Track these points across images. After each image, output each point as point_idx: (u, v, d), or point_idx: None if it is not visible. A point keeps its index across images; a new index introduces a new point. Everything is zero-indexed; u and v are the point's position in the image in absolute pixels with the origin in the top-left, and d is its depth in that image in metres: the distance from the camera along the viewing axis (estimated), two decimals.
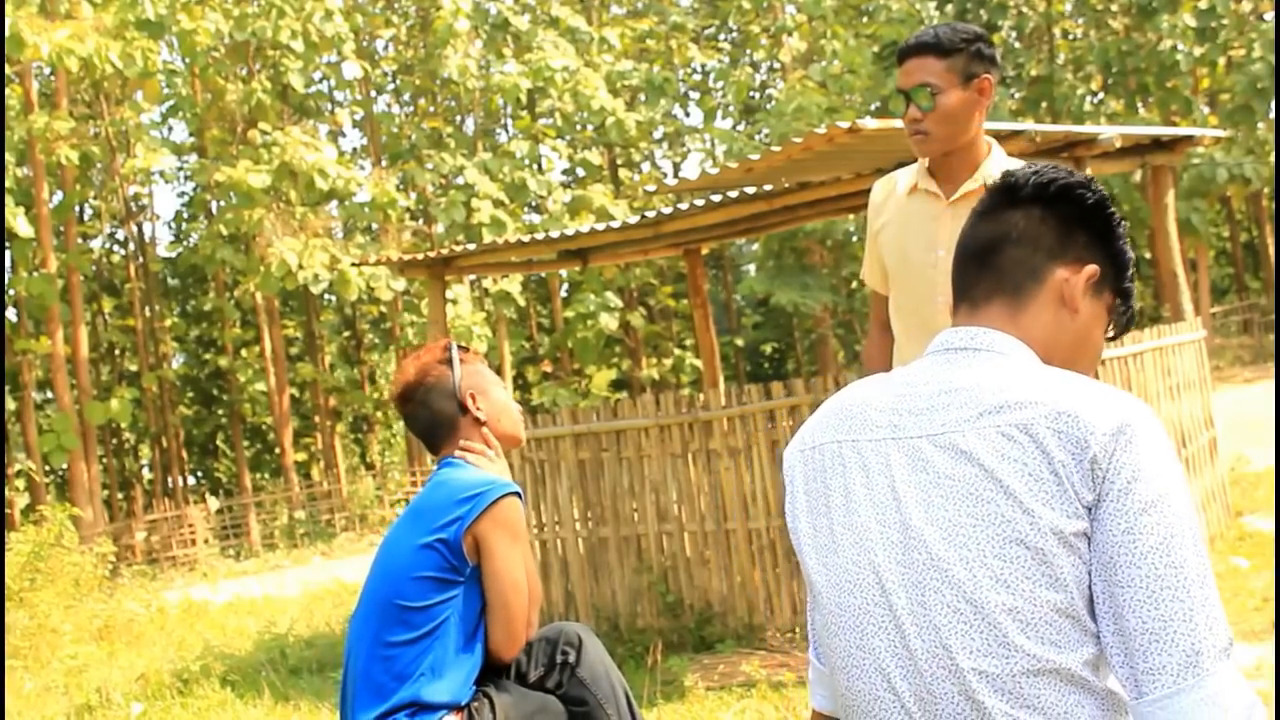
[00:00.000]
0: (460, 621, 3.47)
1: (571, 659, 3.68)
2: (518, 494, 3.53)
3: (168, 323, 36.87)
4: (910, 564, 1.92)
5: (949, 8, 33.54)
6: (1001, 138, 7.76)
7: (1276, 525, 6.13)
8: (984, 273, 2.10)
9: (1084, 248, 2.09)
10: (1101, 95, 36.41)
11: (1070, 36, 38.26)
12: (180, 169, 35.20)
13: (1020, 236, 2.08)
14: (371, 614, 3.49)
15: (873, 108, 30.80)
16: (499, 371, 36.72)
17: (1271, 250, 42.55)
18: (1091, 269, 2.08)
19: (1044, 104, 35.09)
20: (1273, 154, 34.66)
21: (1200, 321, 10.17)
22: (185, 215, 38.63)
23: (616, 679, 3.72)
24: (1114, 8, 35.75)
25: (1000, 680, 1.83)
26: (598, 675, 3.69)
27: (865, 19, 35.45)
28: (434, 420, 3.69)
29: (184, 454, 36.91)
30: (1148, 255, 41.47)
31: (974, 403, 1.93)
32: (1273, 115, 38.34)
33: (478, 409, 3.68)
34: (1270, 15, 37.40)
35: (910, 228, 4.17)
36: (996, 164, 4.10)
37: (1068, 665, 1.82)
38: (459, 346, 3.77)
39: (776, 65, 40.52)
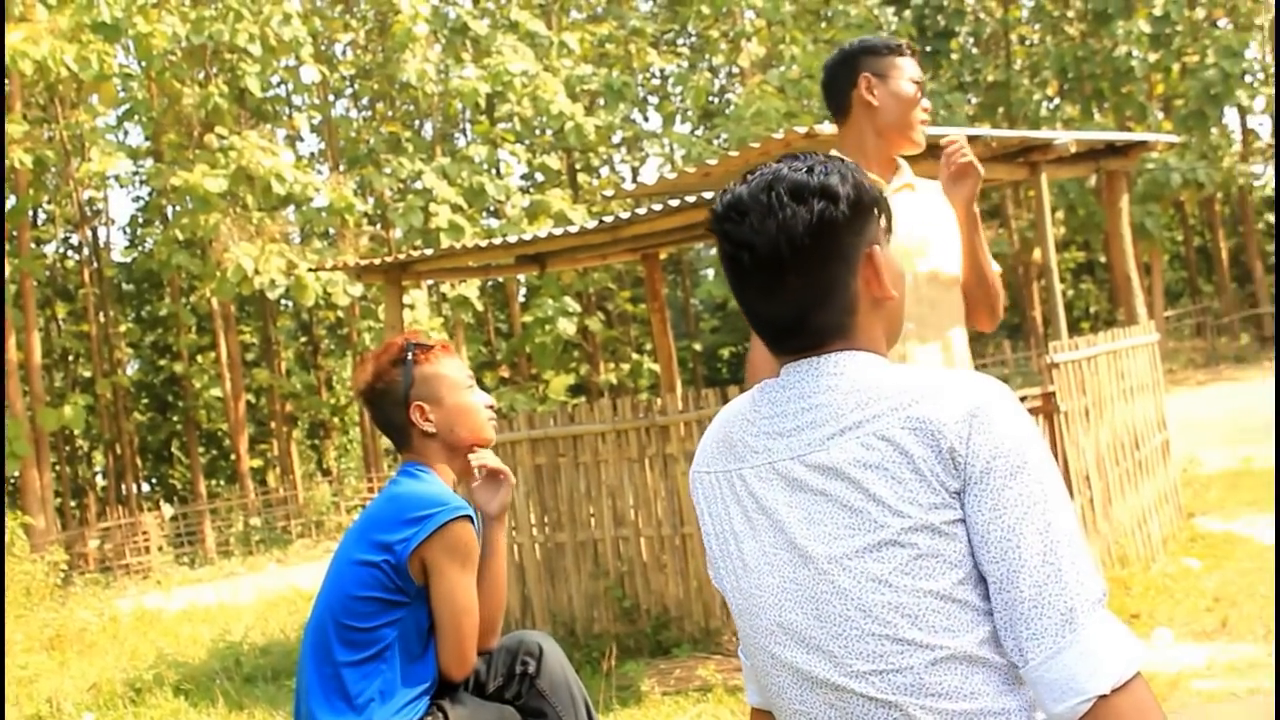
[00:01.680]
0: (407, 642, 3.41)
1: (531, 669, 3.65)
2: (470, 516, 3.43)
3: (122, 328, 36.57)
4: (801, 580, 2.00)
5: (907, 14, 33.75)
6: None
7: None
8: (804, 336, 2.10)
9: (852, 249, 2.08)
10: (1057, 100, 36.68)
11: (1027, 42, 38.54)
12: (136, 173, 35.01)
13: (817, 298, 2.07)
14: (320, 631, 3.44)
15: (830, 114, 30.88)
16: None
17: (1225, 254, 42.94)
18: (870, 253, 2.09)
19: (1000, 109, 35.35)
20: (1225, 159, 34.99)
21: (1154, 325, 10.25)
22: (141, 220, 38.32)
23: (577, 688, 3.69)
24: (1070, 14, 36.03)
25: (902, 677, 1.91)
26: (557, 685, 3.66)
27: (824, 24, 35.58)
28: (388, 426, 3.61)
29: (138, 461, 36.65)
30: (1102, 259, 41.79)
31: (833, 419, 2.00)
32: (1226, 120, 38.66)
33: (426, 421, 3.55)
34: (1224, 22, 37.77)
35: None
36: (906, 169, 4.34)
37: (964, 648, 1.89)
38: (419, 346, 3.62)
39: (735, 70, 40.62)
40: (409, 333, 3.74)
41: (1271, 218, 41.38)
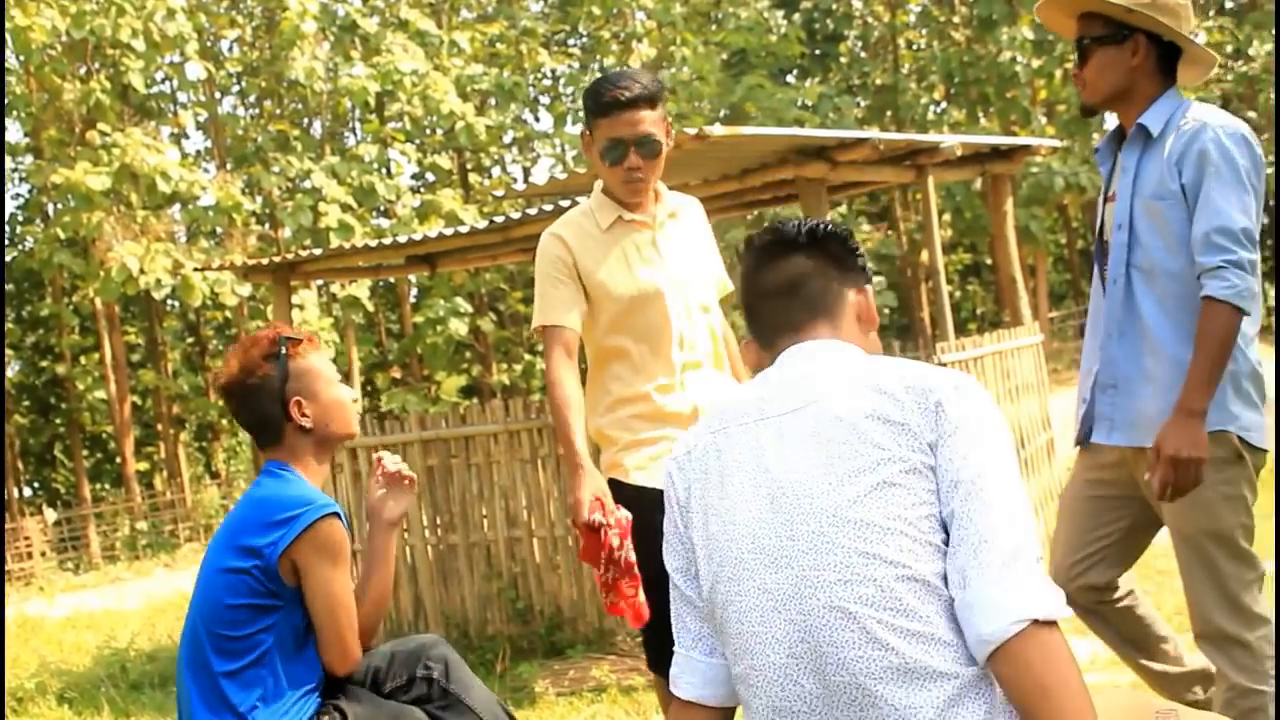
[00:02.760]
0: (285, 645, 3.36)
1: (437, 674, 3.62)
2: (337, 513, 3.40)
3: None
4: (780, 506, 2.25)
5: (796, 17, 34.00)
6: (847, 146, 7.89)
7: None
8: (796, 304, 2.50)
9: (856, 272, 2.55)
10: (944, 105, 37.21)
11: (914, 47, 39.04)
12: (15, 170, 34.20)
13: (815, 272, 2.51)
14: (195, 643, 3.38)
15: (721, 114, 31.06)
16: (346, 379, 36.31)
17: None
18: (869, 288, 2.56)
19: (888, 112, 35.77)
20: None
21: (1038, 326, 10.43)
22: (20, 218, 37.51)
23: (491, 697, 3.69)
24: (956, 20, 36.56)
25: (866, 588, 2.15)
26: (471, 686, 3.66)
27: (714, 26, 35.78)
28: (257, 423, 3.54)
29: (20, 464, 35.85)
30: (988, 261, 42.46)
31: (830, 377, 2.32)
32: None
33: (303, 416, 3.51)
34: None
35: (626, 257, 4.40)
36: (666, 194, 4.52)
37: (924, 574, 2.15)
38: (290, 339, 3.56)
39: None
40: (275, 326, 3.66)
41: None
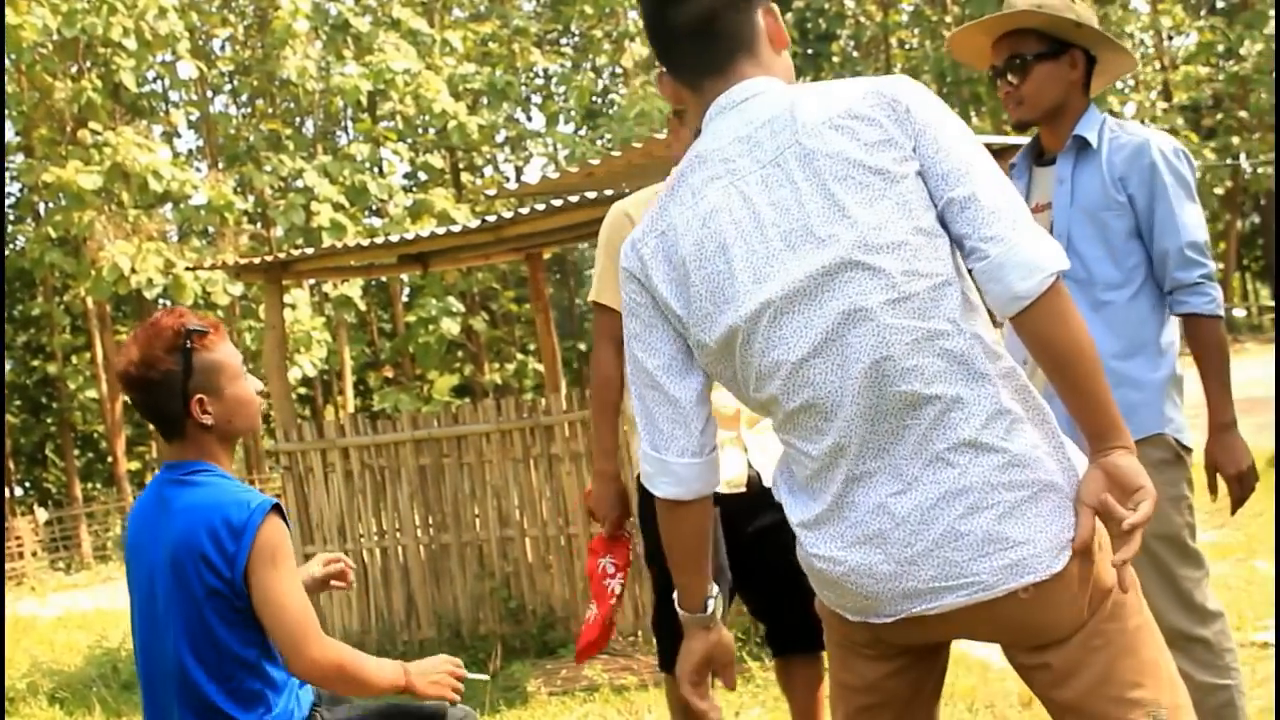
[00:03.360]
0: (270, 648, 3.26)
1: None
2: (277, 506, 3.25)
3: None
4: (800, 253, 2.27)
5: (789, 16, 34.02)
6: None
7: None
8: (712, 41, 2.39)
9: None
10: None
11: (906, 46, 39.10)
12: (6, 170, 34.14)
13: (725, 3, 2.37)
14: (182, 673, 3.24)
15: None
16: (339, 377, 36.30)
17: None
18: (774, 5, 2.46)
19: None
20: None
21: None
22: (12, 217, 37.43)
23: None
24: (948, 19, 36.60)
25: (914, 302, 2.24)
26: None
27: None
28: (157, 418, 3.34)
29: (11, 464, 35.79)
30: None
31: (795, 123, 2.29)
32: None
33: (204, 414, 3.27)
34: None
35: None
36: None
37: (951, 277, 2.27)
38: (196, 331, 3.29)
39: (619, 70, 40.68)
40: (176, 311, 3.40)
41: None
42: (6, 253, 35.55)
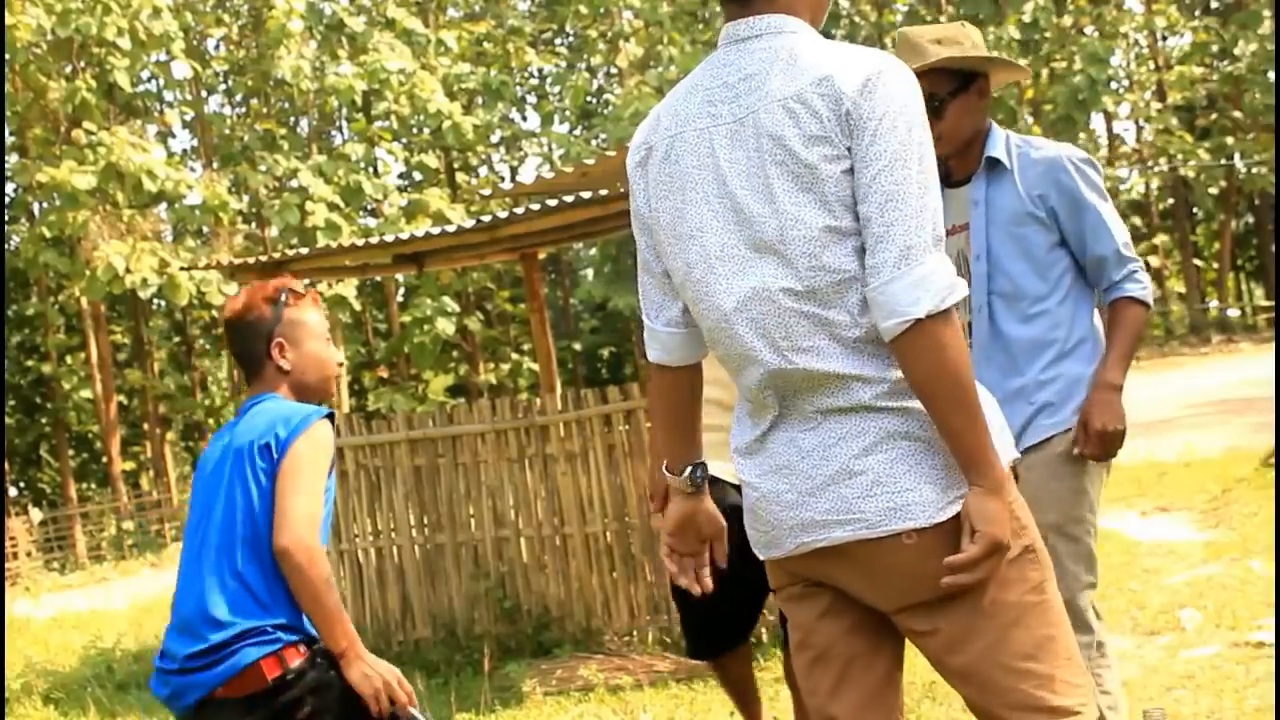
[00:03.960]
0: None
1: None
2: (331, 416, 3.68)
3: None
4: (742, 224, 2.44)
5: None
6: None
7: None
8: None
9: None
10: None
11: None
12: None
13: None
14: (225, 550, 3.50)
15: None
16: (334, 380, 36.17)
17: None
18: None
19: None
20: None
21: None
22: (5, 217, 37.42)
23: None
24: (943, 19, 36.61)
25: (823, 293, 2.39)
26: None
27: (701, 26, 35.78)
28: (245, 357, 3.78)
29: (5, 464, 35.76)
30: None
31: (763, 87, 2.42)
32: (1093, 125, 39.56)
33: (282, 358, 3.75)
34: (1091, 30, 38.64)
35: None
36: None
37: (845, 268, 2.37)
38: (291, 291, 3.83)
39: (613, 70, 40.69)
40: (288, 279, 3.95)
41: (1138, 219, 42.42)
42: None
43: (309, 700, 3.43)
